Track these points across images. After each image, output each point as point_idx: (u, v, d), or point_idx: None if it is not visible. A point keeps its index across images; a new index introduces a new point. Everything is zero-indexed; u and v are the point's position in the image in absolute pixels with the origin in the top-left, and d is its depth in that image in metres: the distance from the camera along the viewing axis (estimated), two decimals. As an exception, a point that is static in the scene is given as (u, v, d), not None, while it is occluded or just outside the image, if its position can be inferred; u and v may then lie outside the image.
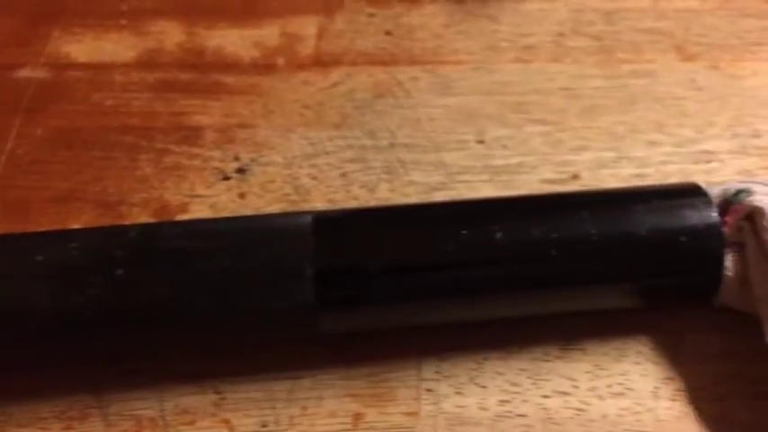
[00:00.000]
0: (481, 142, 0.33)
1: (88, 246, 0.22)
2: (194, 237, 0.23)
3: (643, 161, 0.32)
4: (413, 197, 0.31)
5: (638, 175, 0.31)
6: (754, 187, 0.24)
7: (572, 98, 0.35)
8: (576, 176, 0.31)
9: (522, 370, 0.25)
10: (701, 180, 0.30)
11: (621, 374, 0.25)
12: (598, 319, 0.26)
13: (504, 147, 0.33)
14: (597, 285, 0.24)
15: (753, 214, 0.23)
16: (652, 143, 0.32)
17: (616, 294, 0.24)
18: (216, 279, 0.22)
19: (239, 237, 0.23)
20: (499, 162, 0.32)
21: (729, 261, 0.24)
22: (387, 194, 0.31)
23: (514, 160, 0.32)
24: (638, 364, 0.25)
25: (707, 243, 0.23)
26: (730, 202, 0.24)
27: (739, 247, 0.24)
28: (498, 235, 0.23)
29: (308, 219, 0.23)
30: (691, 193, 0.24)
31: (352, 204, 0.31)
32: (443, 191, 0.31)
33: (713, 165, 0.31)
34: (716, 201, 0.24)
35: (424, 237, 0.23)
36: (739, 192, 0.24)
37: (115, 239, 0.23)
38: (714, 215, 0.23)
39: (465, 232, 0.23)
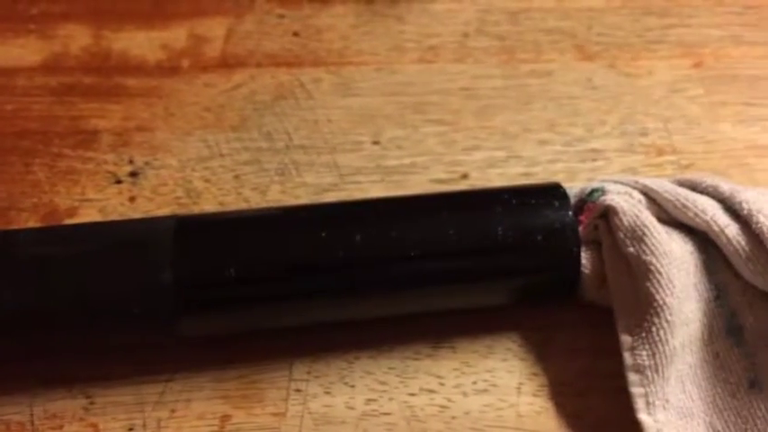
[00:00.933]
0: (376, 143, 0.33)
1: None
2: (53, 243, 0.23)
3: (532, 160, 0.32)
4: (303, 198, 0.31)
5: (525, 174, 0.32)
6: (609, 186, 0.24)
7: (470, 98, 0.35)
8: (465, 176, 0.32)
9: (391, 369, 0.26)
10: (585, 178, 0.31)
11: (488, 371, 0.25)
12: (469, 317, 0.26)
13: (399, 147, 0.33)
14: (458, 285, 0.24)
15: (607, 213, 0.24)
16: (542, 142, 0.33)
17: (478, 293, 0.25)
18: (75, 284, 0.23)
19: (100, 242, 0.23)
20: (392, 162, 0.32)
21: (586, 258, 0.24)
22: (278, 196, 0.31)
23: (407, 161, 0.32)
24: (505, 360, 0.26)
25: (562, 241, 0.24)
26: (585, 201, 0.24)
27: (596, 245, 0.24)
28: (357, 237, 0.23)
29: (171, 223, 0.24)
30: (550, 192, 0.24)
31: (243, 207, 0.31)
32: (334, 192, 0.31)
33: (599, 163, 0.32)
34: (573, 200, 0.25)
35: (282, 240, 0.23)
36: (594, 191, 0.24)
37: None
38: (569, 214, 0.24)
39: (324, 235, 0.23)
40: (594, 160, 0.32)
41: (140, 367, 0.25)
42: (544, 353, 0.26)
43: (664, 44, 0.37)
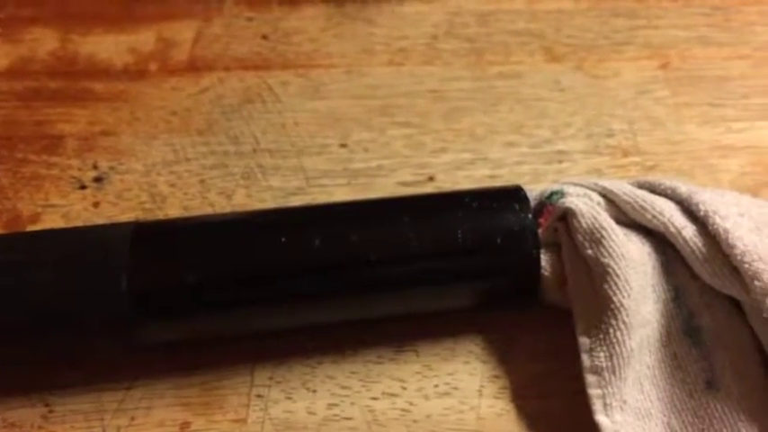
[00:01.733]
0: (344, 146, 0.33)
1: None
2: (9, 251, 0.23)
3: (498, 162, 0.32)
4: (269, 203, 0.31)
5: (491, 176, 0.32)
6: (568, 188, 0.24)
7: (438, 101, 0.35)
8: (431, 178, 0.32)
9: (354, 373, 0.25)
10: (550, 180, 0.31)
11: (449, 374, 0.25)
12: (432, 320, 0.26)
13: (366, 150, 0.33)
14: (419, 288, 0.24)
15: (566, 215, 0.24)
16: (509, 144, 0.33)
17: (440, 296, 0.25)
18: (33, 292, 0.22)
19: (56, 249, 0.23)
20: (359, 165, 0.32)
21: (546, 261, 0.24)
22: (243, 200, 0.31)
23: (374, 163, 0.32)
24: (467, 363, 0.26)
25: (522, 244, 0.24)
26: (545, 204, 0.24)
27: (556, 247, 0.25)
28: (317, 241, 0.23)
29: (129, 229, 0.23)
30: (511, 195, 0.25)
31: (208, 211, 0.31)
32: (300, 196, 0.31)
33: (565, 165, 0.32)
34: (533, 203, 0.25)
35: (241, 246, 0.23)
36: (553, 193, 0.24)
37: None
38: (529, 217, 0.24)
39: (284, 240, 0.23)
40: (560, 162, 0.32)
41: (100, 375, 0.25)
42: (506, 355, 0.26)
43: (631, 45, 0.37)
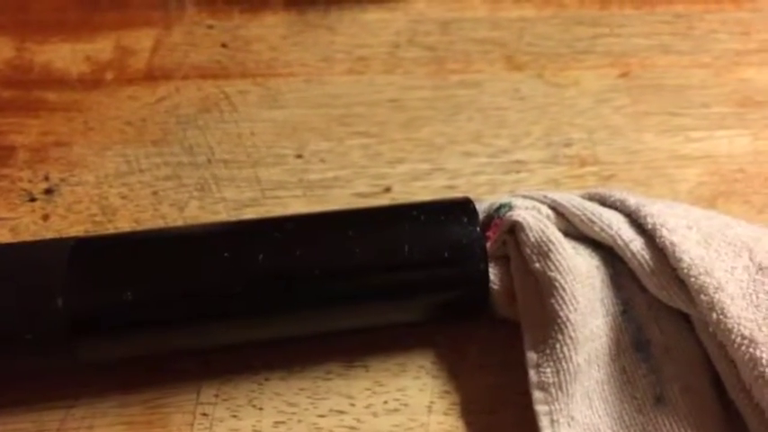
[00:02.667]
0: (300, 156, 0.33)
1: None
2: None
3: (456, 173, 0.32)
4: (222, 215, 0.31)
5: (448, 187, 0.31)
6: (516, 201, 0.24)
7: (397, 110, 0.35)
8: (388, 189, 0.31)
9: (302, 390, 0.25)
10: (507, 190, 0.31)
11: (399, 390, 0.25)
12: (382, 334, 0.26)
13: (323, 161, 0.32)
14: (366, 303, 0.24)
15: (514, 228, 0.24)
16: (467, 154, 0.33)
17: (388, 311, 0.24)
18: (-34, 310, 0.22)
19: (-8, 266, 0.22)
20: (315, 176, 0.32)
21: (495, 275, 0.24)
22: (196, 213, 0.31)
23: (330, 174, 0.32)
24: (417, 378, 0.25)
25: (470, 258, 0.23)
26: (492, 217, 0.24)
27: (505, 261, 0.24)
28: (260, 256, 0.23)
29: (68, 245, 0.23)
30: (459, 208, 0.24)
31: (159, 224, 0.30)
32: (254, 207, 0.31)
33: (522, 175, 0.32)
34: (482, 216, 0.24)
35: (182, 262, 0.23)
36: (501, 206, 0.24)
37: None
38: (477, 230, 0.24)
39: (226, 254, 0.23)
40: (518, 172, 0.32)
41: (41, 394, 0.25)
42: (456, 370, 0.25)
43: (592, 54, 0.37)
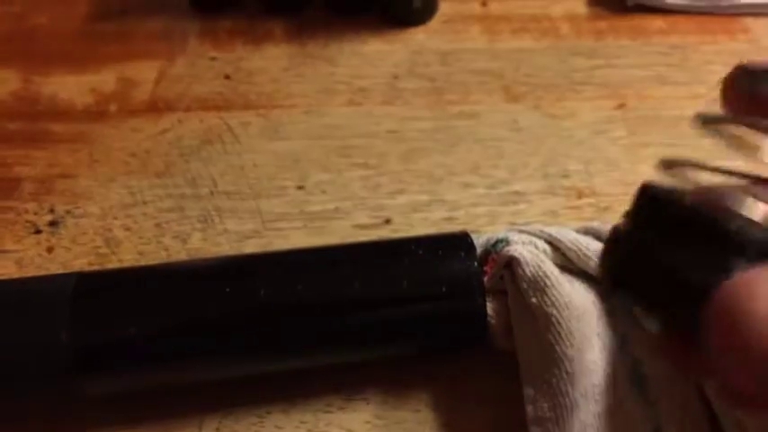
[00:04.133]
0: (301, 188, 0.33)
1: None
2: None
3: (455, 204, 0.32)
4: (224, 246, 0.31)
5: (448, 219, 0.32)
6: (512, 236, 0.25)
7: (397, 141, 0.35)
8: (388, 221, 0.32)
9: (303, 423, 0.25)
10: (506, 221, 0.31)
11: (398, 423, 0.25)
12: (383, 367, 0.26)
13: (323, 192, 0.33)
14: (365, 337, 0.24)
15: (510, 263, 0.24)
16: (466, 185, 0.33)
17: (387, 345, 0.24)
18: (-28, 346, 0.22)
19: (-2, 302, 0.23)
20: (316, 208, 0.32)
21: (492, 309, 0.24)
22: (199, 244, 0.31)
23: (331, 206, 0.32)
24: (417, 412, 0.25)
25: (467, 292, 0.24)
26: (489, 252, 0.24)
27: (503, 295, 0.25)
28: (262, 291, 0.23)
29: (71, 281, 0.23)
30: (457, 243, 0.25)
31: (162, 256, 0.31)
32: (255, 239, 0.31)
33: (520, 206, 0.32)
34: (479, 250, 0.25)
35: (185, 296, 0.23)
36: (498, 241, 0.25)
37: None
38: (474, 265, 0.24)
39: (228, 289, 0.23)
40: (516, 203, 0.32)
41: (47, 427, 0.25)
42: (455, 402, 0.26)
43: (589, 85, 0.38)
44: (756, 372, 0.13)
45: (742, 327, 0.13)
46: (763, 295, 0.13)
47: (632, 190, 0.31)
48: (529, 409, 0.23)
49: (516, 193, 0.33)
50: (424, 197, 0.33)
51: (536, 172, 0.33)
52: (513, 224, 0.31)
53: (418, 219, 0.32)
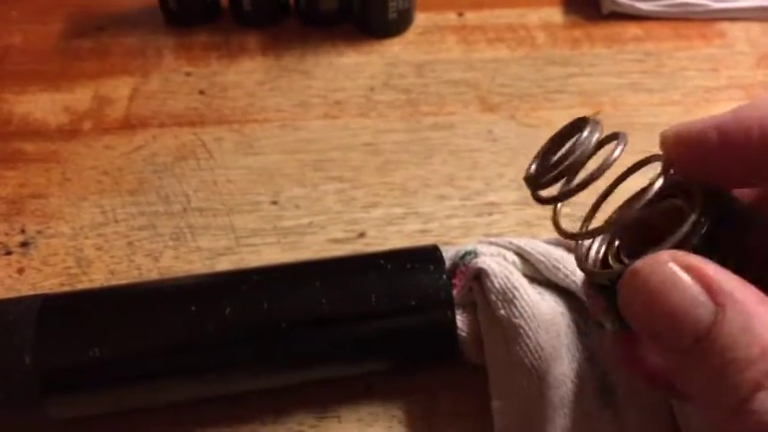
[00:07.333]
0: (275, 203, 0.33)
1: None
2: None
3: (429, 216, 0.32)
4: (197, 264, 0.31)
5: (422, 231, 0.32)
6: (481, 248, 0.24)
7: (372, 154, 0.35)
8: (362, 234, 0.31)
9: (274, 442, 0.25)
10: (480, 233, 0.31)
11: (371, 441, 0.25)
12: (354, 384, 0.26)
13: (297, 207, 0.33)
14: (334, 354, 0.24)
15: (479, 275, 0.24)
16: (441, 197, 0.33)
17: (357, 361, 0.24)
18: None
19: (-41, 326, 0.22)
20: (289, 223, 0.32)
21: (462, 321, 0.24)
22: (171, 262, 0.31)
23: (305, 220, 0.32)
24: (390, 428, 0.25)
25: (437, 305, 0.24)
26: (458, 265, 0.24)
27: (473, 308, 0.24)
28: (227, 310, 0.23)
29: (38, 303, 0.23)
30: (426, 256, 0.24)
31: (134, 274, 0.30)
32: (228, 256, 0.31)
33: (495, 217, 0.32)
34: (448, 263, 0.25)
35: (149, 317, 0.23)
36: (467, 253, 0.24)
37: None
38: (443, 278, 0.24)
39: (193, 309, 0.23)
40: (491, 214, 0.32)
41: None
42: (429, 418, 0.25)
43: (564, 94, 0.38)
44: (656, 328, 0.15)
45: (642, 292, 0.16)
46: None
47: (609, 199, 0.30)
48: (496, 420, 0.22)
49: (491, 203, 0.32)
50: (399, 210, 0.32)
51: (511, 183, 0.33)
52: (488, 235, 0.31)
53: (392, 232, 0.32)
